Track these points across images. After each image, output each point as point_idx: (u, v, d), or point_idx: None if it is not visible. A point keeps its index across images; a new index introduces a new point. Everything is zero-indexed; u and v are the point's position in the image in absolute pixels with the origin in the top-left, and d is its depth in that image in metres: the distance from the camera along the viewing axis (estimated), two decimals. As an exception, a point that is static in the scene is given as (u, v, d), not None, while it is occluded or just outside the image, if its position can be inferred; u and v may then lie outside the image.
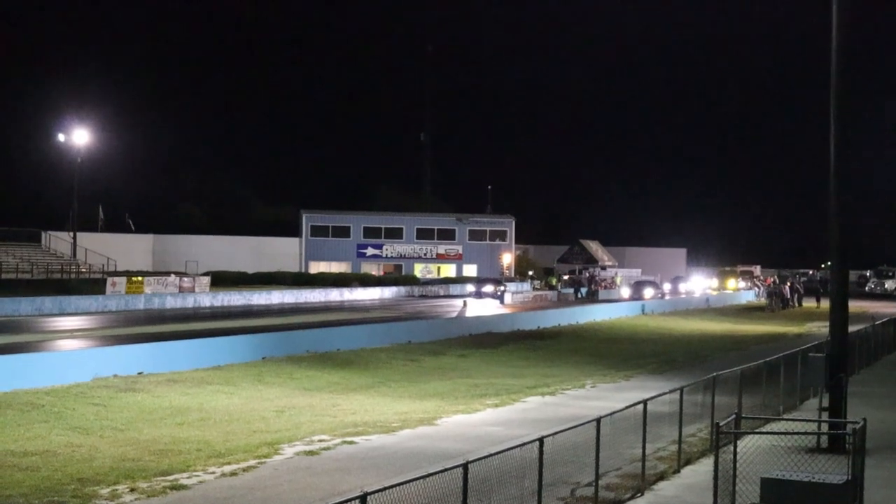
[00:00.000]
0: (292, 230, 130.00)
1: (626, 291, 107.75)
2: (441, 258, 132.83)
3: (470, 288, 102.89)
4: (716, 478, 16.47)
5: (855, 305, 56.00)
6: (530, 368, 42.05)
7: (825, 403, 26.39)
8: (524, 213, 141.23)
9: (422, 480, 13.01)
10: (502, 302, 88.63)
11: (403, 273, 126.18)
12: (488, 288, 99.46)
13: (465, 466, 13.68)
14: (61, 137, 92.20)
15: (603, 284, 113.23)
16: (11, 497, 18.34)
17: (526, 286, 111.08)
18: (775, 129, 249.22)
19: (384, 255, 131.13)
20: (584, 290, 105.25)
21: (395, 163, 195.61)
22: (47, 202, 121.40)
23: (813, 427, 24.88)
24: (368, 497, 11.50)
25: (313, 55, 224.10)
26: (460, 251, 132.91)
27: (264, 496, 19.23)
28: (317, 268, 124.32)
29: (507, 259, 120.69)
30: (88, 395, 29.69)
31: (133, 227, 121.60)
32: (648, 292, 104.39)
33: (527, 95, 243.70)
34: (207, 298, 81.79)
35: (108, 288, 77.90)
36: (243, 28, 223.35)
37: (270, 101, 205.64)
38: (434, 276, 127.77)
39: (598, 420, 18.39)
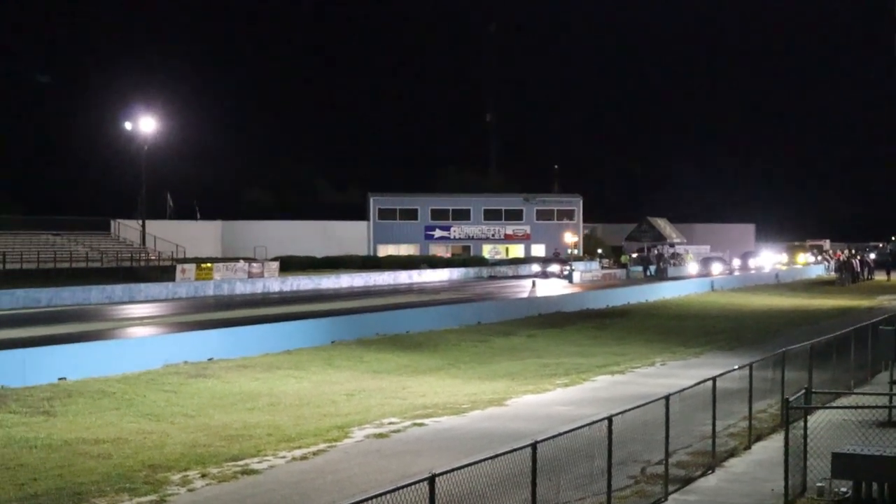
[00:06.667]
0: (360, 213, 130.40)
1: (694, 268, 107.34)
2: (509, 238, 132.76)
3: (535, 268, 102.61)
4: (786, 453, 16.35)
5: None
6: (599, 347, 41.89)
7: (896, 377, 26.15)
8: (591, 192, 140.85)
9: (490, 461, 12.96)
10: (571, 281, 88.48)
11: (471, 254, 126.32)
12: (554, 268, 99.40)
13: (533, 446, 13.65)
14: (128, 126, 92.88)
15: (672, 262, 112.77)
16: (84, 484, 18.48)
17: (594, 265, 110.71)
18: (844, 100, 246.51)
19: (452, 237, 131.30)
20: (652, 268, 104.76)
21: (461, 144, 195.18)
22: (115, 191, 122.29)
23: (884, 401, 24.64)
24: (437, 478, 11.47)
25: (379, 38, 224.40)
26: (528, 231, 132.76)
27: (335, 479, 19.27)
28: (385, 251, 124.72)
29: (571, 238, 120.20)
30: (159, 382, 29.91)
31: (200, 214, 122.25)
32: (717, 268, 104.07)
33: (592, 73, 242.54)
34: (276, 283, 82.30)
35: (178, 275, 78.53)
36: (310, 10, 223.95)
37: (336, 85, 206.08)
38: (502, 256, 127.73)
39: (668, 397, 18.26)
